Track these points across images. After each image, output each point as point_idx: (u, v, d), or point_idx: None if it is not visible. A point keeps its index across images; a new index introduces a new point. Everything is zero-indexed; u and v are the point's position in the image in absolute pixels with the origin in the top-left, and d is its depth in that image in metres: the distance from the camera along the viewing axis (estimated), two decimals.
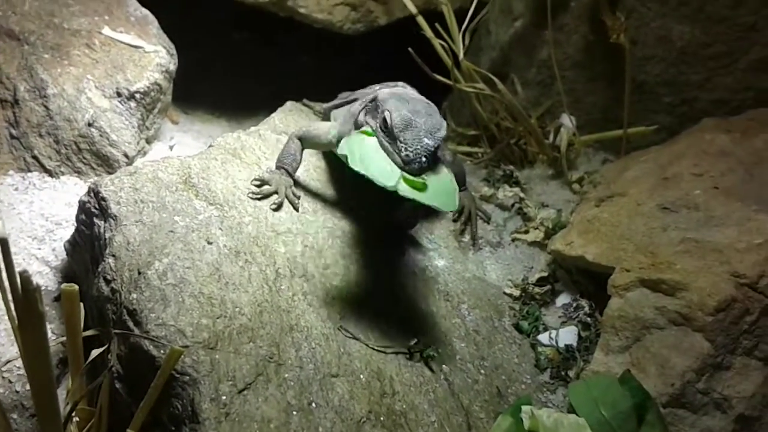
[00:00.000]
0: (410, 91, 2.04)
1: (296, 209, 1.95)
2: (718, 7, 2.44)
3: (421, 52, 2.40)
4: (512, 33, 2.72)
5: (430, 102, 1.88)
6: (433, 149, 1.69)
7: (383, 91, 1.93)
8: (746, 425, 1.76)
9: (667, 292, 1.85)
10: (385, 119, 1.73)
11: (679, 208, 2.05)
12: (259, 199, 1.92)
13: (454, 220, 2.30)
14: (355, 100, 2.08)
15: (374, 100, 1.86)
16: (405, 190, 1.64)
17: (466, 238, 2.24)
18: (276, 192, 1.95)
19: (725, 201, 2.02)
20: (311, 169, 2.13)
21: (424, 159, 1.67)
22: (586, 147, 2.62)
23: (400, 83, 2.12)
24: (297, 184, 2.03)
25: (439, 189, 1.68)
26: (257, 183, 1.96)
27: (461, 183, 2.34)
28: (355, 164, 1.66)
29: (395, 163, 1.68)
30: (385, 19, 2.82)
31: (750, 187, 2.05)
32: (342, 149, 1.71)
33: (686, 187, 2.10)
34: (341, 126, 1.99)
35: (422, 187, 1.66)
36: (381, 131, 1.73)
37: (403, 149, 1.67)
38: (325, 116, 2.32)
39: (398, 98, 1.81)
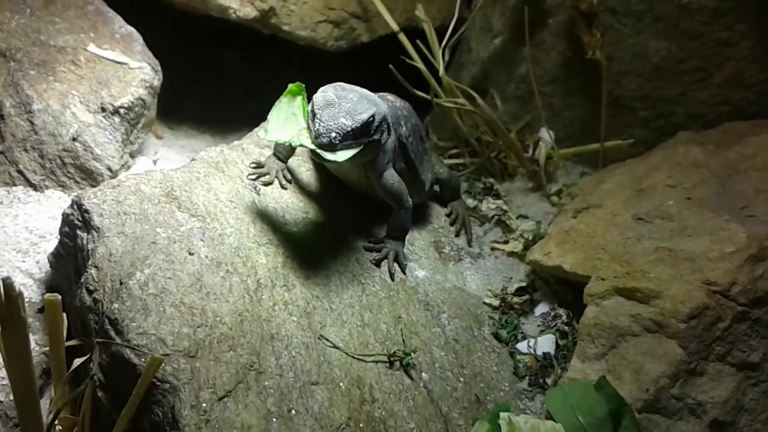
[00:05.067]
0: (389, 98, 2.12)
1: (284, 188, 2.07)
2: (693, 24, 2.49)
3: (404, 68, 2.44)
4: (492, 50, 2.77)
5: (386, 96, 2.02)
6: (349, 129, 1.73)
7: None
8: (720, 430, 1.79)
9: (641, 300, 1.89)
10: (312, 100, 1.79)
11: (654, 219, 2.09)
12: (255, 178, 2.05)
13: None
14: None
15: None
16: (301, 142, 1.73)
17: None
18: (268, 173, 2.08)
19: (698, 211, 2.06)
20: (294, 181, 2.16)
21: (334, 135, 1.71)
22: (565, 160, 2.67)
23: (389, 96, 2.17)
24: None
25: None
26: (253, 165, 2.09)
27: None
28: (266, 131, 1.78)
29: (311, 140, 1.73)
30: (368, 36, 2.86)
31: (722, 198, 2.10)
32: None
33: (660, 198, 2.14)
34: None
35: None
36: (309, 113, 1.79)
37: (317, 124, 1.73)
38: None
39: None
